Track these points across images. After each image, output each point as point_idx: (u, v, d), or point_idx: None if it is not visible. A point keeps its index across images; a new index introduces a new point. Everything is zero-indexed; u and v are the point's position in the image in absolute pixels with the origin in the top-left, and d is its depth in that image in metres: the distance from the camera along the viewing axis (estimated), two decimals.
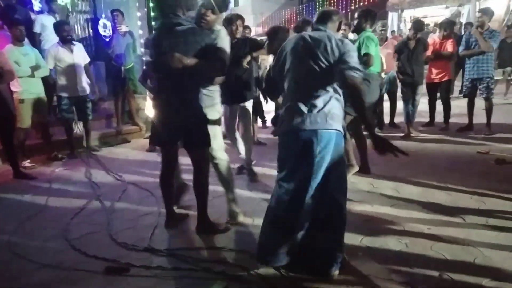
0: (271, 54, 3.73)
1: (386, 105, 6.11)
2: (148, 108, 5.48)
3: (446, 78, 5.74)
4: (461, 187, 3.51)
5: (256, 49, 3.96)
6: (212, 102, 2.94)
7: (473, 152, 4.60)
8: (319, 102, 2.13)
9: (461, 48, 5.52)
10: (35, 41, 5.83)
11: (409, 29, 5.62)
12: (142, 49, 6.83)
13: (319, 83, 2.16)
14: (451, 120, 5.87)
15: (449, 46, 5.60)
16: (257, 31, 22.61)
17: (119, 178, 4.25)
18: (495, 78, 6.94)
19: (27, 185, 4.16)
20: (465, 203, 3.19)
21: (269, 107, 6.31)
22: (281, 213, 2.20)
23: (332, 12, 2.38)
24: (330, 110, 2.13)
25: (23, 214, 3.34)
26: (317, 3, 19.14)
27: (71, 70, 5.01)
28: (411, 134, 5.46)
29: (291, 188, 2.16)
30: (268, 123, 6.33)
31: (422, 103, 5.83)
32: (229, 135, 4.11)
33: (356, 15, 4.01)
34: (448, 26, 5.74)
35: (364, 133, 3.94)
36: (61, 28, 5.01)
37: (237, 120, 4.19)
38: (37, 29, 5.94)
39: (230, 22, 3.76)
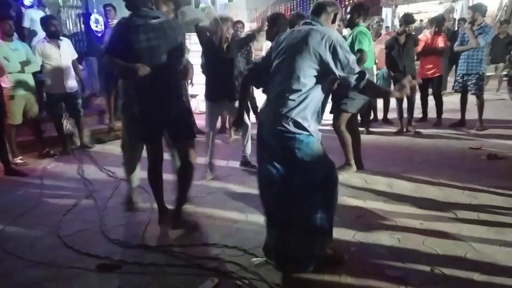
0: (270, 40, 3.71)
1: (380, 100, 6.12)
2: None
3: (437, 74, 5.78)
4: (453, 182, 3.53)
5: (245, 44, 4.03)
6: None
7: (465, 148, 4.64)
8: (298, 101, 2.06)
9: (456, 44, 5.55)
10: (24, 35, 5.76)
11: (399, 24, 5.61)
12: None
13: (299, 81, 2.07)
14: (444, 115, 5.90)
15: (440, 42, 5.65)
16: (251, 27, 22.54)
17: (112, 174, 4.22)
18: (488, 74, 7.00)
19: (19, 182, 4.12)
20: (457, 198, 3.22)
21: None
22: (264, 206, 2.26)
23: (326, 3, 2.30)
24: (306, 110, 2.07)
25: (14, 211, 3.31)
26: None
27: (58, 67, 4.92)
28: (417, 130, 5.46)
29: (263, 180, 2.22)
30: None
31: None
32: (209, 132, 4.03)
33: (348, 9, 4.00)
34: (439, 22, 5.78)
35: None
36: (48, 22, 4.91)
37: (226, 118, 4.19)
38: (26, 23, 5.86)
39: (218, 25, 3.76)
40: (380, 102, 6.16)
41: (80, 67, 5.20)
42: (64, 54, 4.99)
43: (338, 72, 2.09)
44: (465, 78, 5.45)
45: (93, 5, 7.20)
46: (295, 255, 2.18)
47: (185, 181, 2.83)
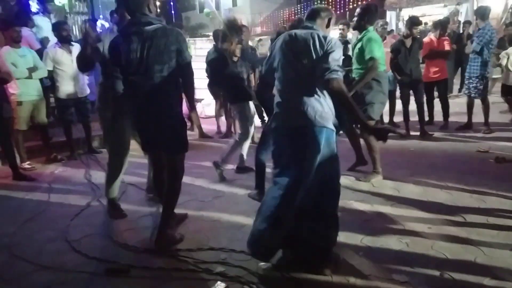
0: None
1: (386, 104, 6.09)
2: None
3: (443, 77, 5.77)
4: (461, 186, 3.51)
5: None
6: None
7: (472, 151, 4.60)
8: (308, 100, 2.16)
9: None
10: None
11: (406, 27, 5.59)
12: None
13: (306, 81, 2.18)
14: (450, 118, 5.87)
15: (446, 45, 5.65)
16: (255, 31, 22.63)
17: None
18: (494, 76, 6.96)
19: (27, 186, 4.14)
20: (465, 202, 3.19)
21: None
22: (275, 208, 2.22)
23: (321, 9, 2.41)
24: (319, 108, 2.16)
25: (23, 215, 3.33)
26: (315, 3, 19.14)
27: (70, 72, 4.98)
28: (429, 133, 5.43)
29: (285, 183, 2.20)
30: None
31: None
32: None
33: (356, 12, 3.93)
34: (443, 25, 5.80)
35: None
36: (60, 28, 4.97)
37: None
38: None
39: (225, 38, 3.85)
40: (386, 106, 6.12)
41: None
42: None
43: (324, 63, 2.10)
44: (468, 81, 5.48)
45: (99, 11, 7.28)
46: (319, 252, 2.22)
47: (166, 203, 2.68)
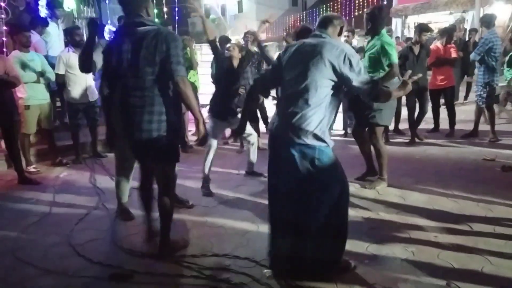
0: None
1: None
2: None
3: (450, 85, 5.75)
4: (467, 194, 3.48)
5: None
6: None
7: (479, 159, 4.57)
8: (315, 114, 2.10)
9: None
10: None
11: (415, 33, 5.58)
12: None
13: (316, 93, 2.10)
14: (456, 126, 5.84)
15: (452, 52, 5.64)
16: (260, 37, 22.71)
17: None
18: (501, 84, 6.93)
19: (32, 190, 4.16)
20: (471, 210, 3.16)
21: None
22: (277, 216, 2.24)
23: (333, 16, 2.37)
24: (323, 122, 2.12)
25: (27, 219, 3.34)
26: (321, 9, 19.22)
27: (82, 76, 5.00)
28: (421, 137, 5.43)
29: (275, 190, 2.22)
30: None
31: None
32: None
33: (364, 19, 3.90)
34: (449, 33, 5.79)
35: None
36: (74, 33, 5.03)
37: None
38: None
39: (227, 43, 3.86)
40: None
41: (93, 77, 5.28)
42: None
43: (354, 82, 2.11)
44: (476, 89, 5.52)
45: (107, 17, 7.34)
46: (321, 260, 2.19)
47: (163, 213, 2.58)
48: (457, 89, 7.49)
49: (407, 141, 5.46)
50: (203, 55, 8.00)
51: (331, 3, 20.22)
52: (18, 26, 4.93)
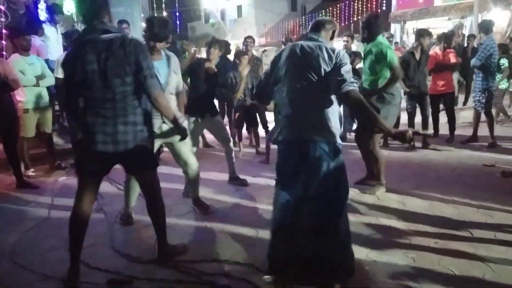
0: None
1: None
2: None
3: (450, 90, 5.78)
4: (468, 200, 3.47)
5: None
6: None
7: (478, 165, 4.57)
8: (315, 112, 2.18)
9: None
10: None
11: (416, 40, 5.60)
12: None
13: (315, 93, 2.19)
14: (456, 131, 5.84)
15: (451, 58, 5.66)
16: (260, 42, 22.80)
17: (122, 188, 4.22)
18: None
19: (30, 194, 4.14)
20: (472, 216, 3.16)
21: (271, 117, 6.29)
22: (283, 220, 2.22)
23: (325, 21, 2.44)
24: (328, 121, 2.17)
25: (26, 224, 3.32)
26: (320, 14, 19.29)
27: None
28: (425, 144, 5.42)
29: (291, 195, 2.19)
30: None
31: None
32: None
33: (360, 27, 3.93)
34: (447, 38, 5.82)
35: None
36: (73, 36, 5.00)
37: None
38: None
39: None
40: None
41: None
42: None
43: (337, 76, 2.12)
44: (474, 95, 5.56)
45: None
46: (329, 266, 2.20)
47: (156, 219, 2.58)
48: (456, 95, 7.50)
49: (406, 146, 5.46)
50: None
51: (330, 8, 20.33)
52: (19, 29, 4.93)
